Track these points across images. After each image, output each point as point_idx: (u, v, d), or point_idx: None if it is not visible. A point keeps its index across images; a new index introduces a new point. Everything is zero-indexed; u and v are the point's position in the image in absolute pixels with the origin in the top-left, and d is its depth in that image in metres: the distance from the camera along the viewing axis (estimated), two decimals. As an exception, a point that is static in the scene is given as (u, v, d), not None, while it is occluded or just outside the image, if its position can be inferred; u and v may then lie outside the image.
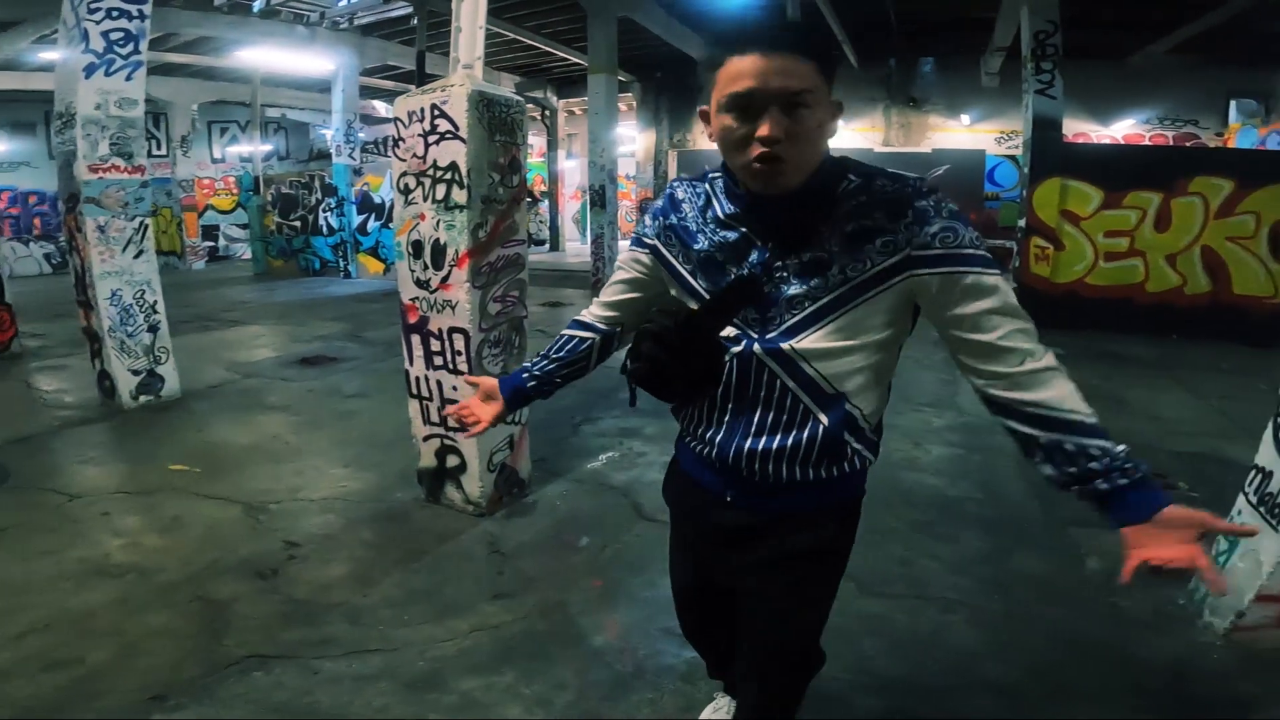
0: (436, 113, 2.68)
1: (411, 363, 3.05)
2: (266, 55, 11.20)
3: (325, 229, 12.48)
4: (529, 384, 1.40)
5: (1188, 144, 11.77)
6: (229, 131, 16.60)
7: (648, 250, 1.26)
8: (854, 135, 13.47)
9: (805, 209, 1.05)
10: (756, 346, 1.08)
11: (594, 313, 1.39)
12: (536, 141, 19.07)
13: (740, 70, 0.98)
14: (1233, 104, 11.52)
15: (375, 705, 1.97)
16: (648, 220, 1.27)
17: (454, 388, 2.97)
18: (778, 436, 1.12)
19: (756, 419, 1.12)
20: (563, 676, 2.09)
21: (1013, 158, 12.29)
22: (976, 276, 1.02)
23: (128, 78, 4.26)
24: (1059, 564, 2.76)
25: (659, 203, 1.26)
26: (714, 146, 1.08)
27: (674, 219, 1.20)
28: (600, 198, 10.36)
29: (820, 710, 1.72)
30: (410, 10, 10.31)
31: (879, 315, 1.07)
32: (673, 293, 1.23)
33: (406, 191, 2.83)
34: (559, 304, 9.30)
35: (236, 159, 16.47)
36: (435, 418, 3.09)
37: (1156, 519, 0.97)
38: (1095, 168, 7.39)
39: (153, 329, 4.63)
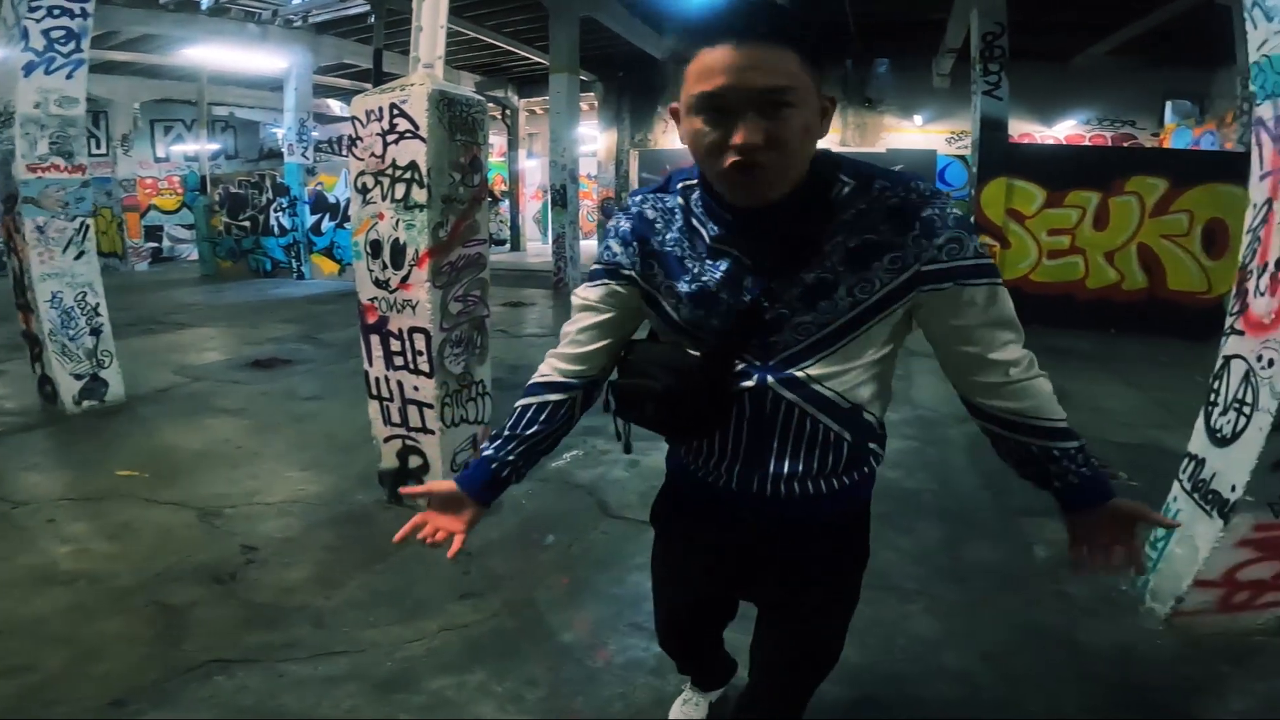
0: (396, 112, 2.66)
1: (371, 363, 3.02)
2: (215, 54, 10.88)
3: (277, 229, 12.17)
4: (504, 474, 1.16)
5: (1125, 144, 12.28)
6: (173, 130, 16.06)
7: (624, 282, 1.09)
8: (810, 136, 13.70)
9: (800, 223, 0.95)
10: (770, 378, 1.01)
11: (561, 367, 1.16)
12: (497, 141, 18.89)
13: (712, 65, 0.85)
14: (1168, 105, 12.04)
15: (344, 707, 1.95)
16: (616, 247, 1.09)
17: (415, 388, 2.94)
18: (801, 459, 1.06)
19: (776, 446, 1.06)
20: (534, 673, 2.10)
21: (962, 158, 12.64)
22: (978, 289, 0.99)
23: (68, 76, 4.15)
24: (1010, 552, 2.87)
25: (625, 224, 1.09)
26: (678, 145, 1.03)
27: (653, 244, 1.06)
28: (562, 197, 10.35)
29: (785, 698, 1.74)
30: (367, 8, 10.13)
31: (888, 330, 1.02)
32: (650, 323, 1.14)
33: (364, 191, 2.79)
34: (520, 304, 9.26)
35: (181, 158, 15.94)
36: (396, 418, 3.06)
37: (1101, 510, 1.05)
38: (1038, 168, 7.68)
39: (95, 332, 4.48)
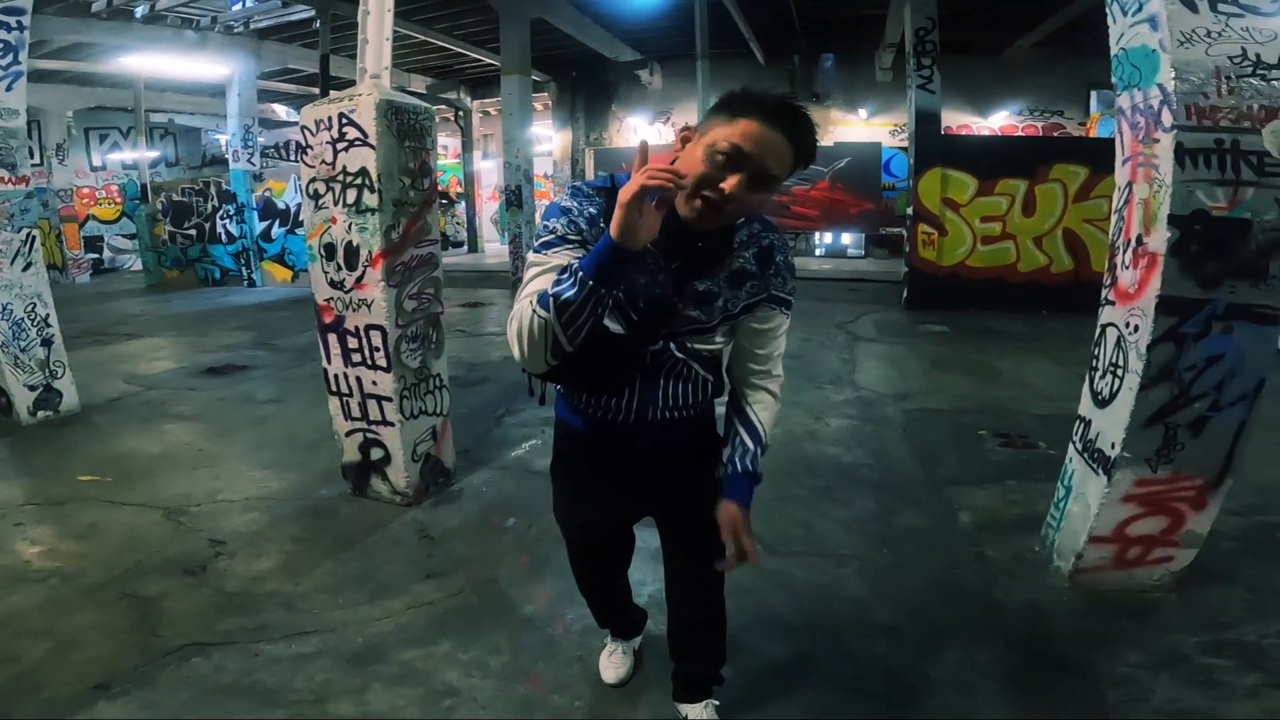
0: (345, 121, 2.77)
1: (329, 361, 3.12)
2: (152, 61, 10.64)
3: (224, 237, 11.91)
4: None
5: (1055, 134, 12.84)
6: (109, 138, 15.52)
7: (579, 245, 1.27)
8: (760, 131, 13.96)
9: (710, 247, 1.32)
10: (671, 345, 1.37)
11: None
12: (451, 143, 18.76)
13: (758, 135, 1.14)
14: (1093, 94, 12.62)
15: (318, 680, 2.08)
16: (584, 226, 1.28)
17: (374, 382, 3.06)
18: (682, 395, 1.45)
19: (663, 385, 1.43)
20: (496, 642, 2.25)
21: (905, 149, 13.08)
22: (786, 315, 1.46)
23: (8, 88, 4.14)
24: (936, 519, 3.09)
25: (591, 209, 1.30)
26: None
27: (604, 225, 1.26)
28: (516, 197, 10.38)
29: (731, 658, 1.91)
30: (311, 14, 10.02)
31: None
32: None
33: (316, 196, 2.90)
34: (479, 304, 9.30)
35: (119, 166, 15.45)
36: (356, 412, 3.17)
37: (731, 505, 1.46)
38: (970, 158, 8.05)
39: (46, 343, 4.46)
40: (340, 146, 2.80)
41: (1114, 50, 2.34)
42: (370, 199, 2.78)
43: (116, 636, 2.29)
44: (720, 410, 1.57)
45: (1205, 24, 2.04)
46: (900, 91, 8.88)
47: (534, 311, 1.19)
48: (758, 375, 1.49)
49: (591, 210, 1.30)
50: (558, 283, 1.17)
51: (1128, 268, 2.24)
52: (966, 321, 7.38)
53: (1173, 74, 2.04)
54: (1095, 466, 2.42)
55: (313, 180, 2.88)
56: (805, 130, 1.19)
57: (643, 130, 15.17)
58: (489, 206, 18.53)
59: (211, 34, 10.79)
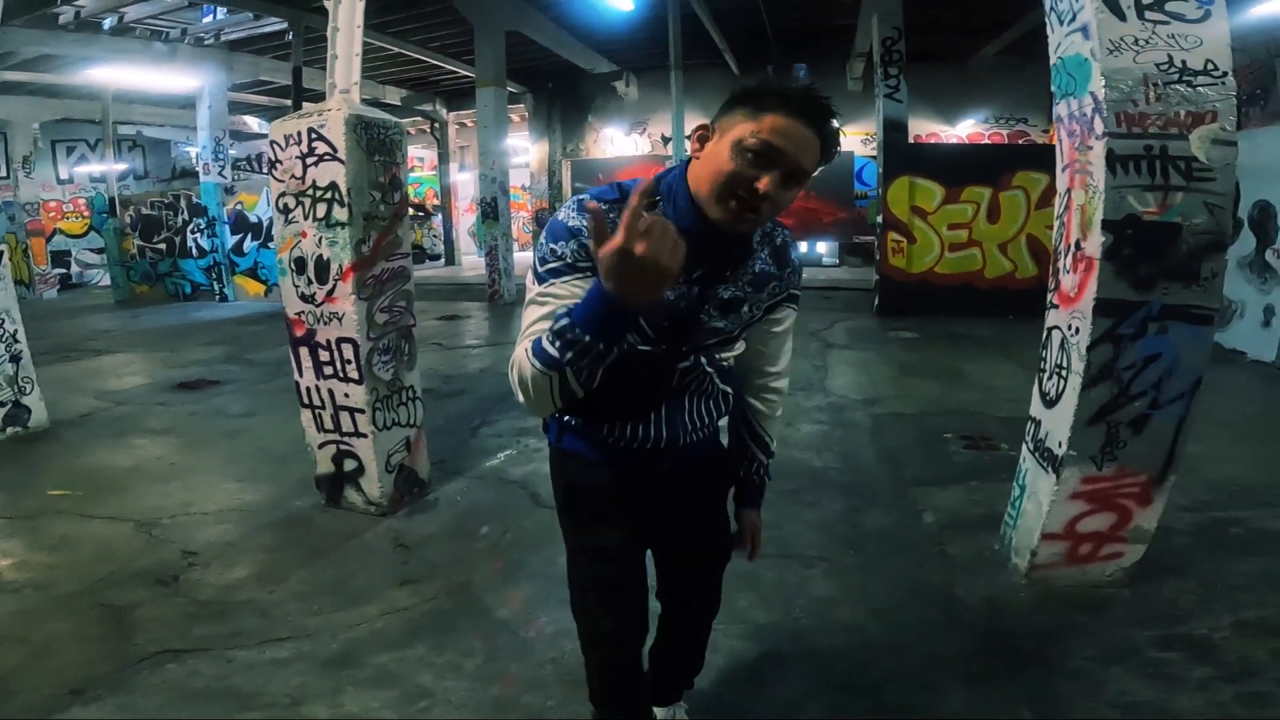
0: (314, 136, 2.82)
1: (301, 374, 3.14)
2: (120, 74, 10.53)
3: (195, 251, 11.77)
4: None
5: (1020, 141, 13.14)
6: (76, 150, 15.34)
7: (589, 273, 1.12)
8: (734, 141, 14.12)
9: (738, 258, 1.26)
10: (702, 359, 1.30)
11: None
12: (428, 155, 18.74)
13: (789, 130, 1.07)
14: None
15: (293, 684, 2.10)
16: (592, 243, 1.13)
17: (346, 395, 3.08)
18: (706, 414, 1.39)
19: (688, 408, 1.35)
20: (470, 645, 2.28)
21: (876, 158, 13.29)
22: (795, 312, 1.44)
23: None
24: (901, 519, 3.17)
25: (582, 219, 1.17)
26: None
27: None
28: (493, 210, 10.35)
29: (700, 657, 1.97)
30: (284, 26, 9.99)
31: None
32: None
33: (286, 211, 2.94)
34: (456, 317, 9.29)
35: (86, 179, 15.23)
36: (329, 424, 3.19)
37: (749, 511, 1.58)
38: (937, 166, 8.22)
39: (14, 359, 4.42)
40: (310, 161, 2.84)
41: (1052, 59, 2.42)
42: (340, 213, 2.82)
43: (90, 644, 2.31)
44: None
45: (1133, 32, 2.11)
46: (871, 100, 9.05)
47: (532, 365, 1.05)
48: (769, 377, 1.47)
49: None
50: (556, 336, 1.01)
51: (1068, 272, 2.34)
52: (936, 327, 7.53)
53: (1103, 82, 2.12)
54: (1045, 465, 2.51)
55: (282, 195, 2.91)
56: (830, 124, 1.13)
57: (620, 141, 15.32)
58: (466, 219, 18.52)
59: (182, 46, 10.73)
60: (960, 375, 5.60)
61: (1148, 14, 2.10)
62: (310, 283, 2.96)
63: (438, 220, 17.62)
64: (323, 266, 2.90)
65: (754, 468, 1.54)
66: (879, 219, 8.49)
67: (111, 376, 6.32)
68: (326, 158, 2.80)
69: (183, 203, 11.82)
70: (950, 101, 13.14)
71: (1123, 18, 2.11)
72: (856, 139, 13.82)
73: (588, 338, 0.99)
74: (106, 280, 13.37)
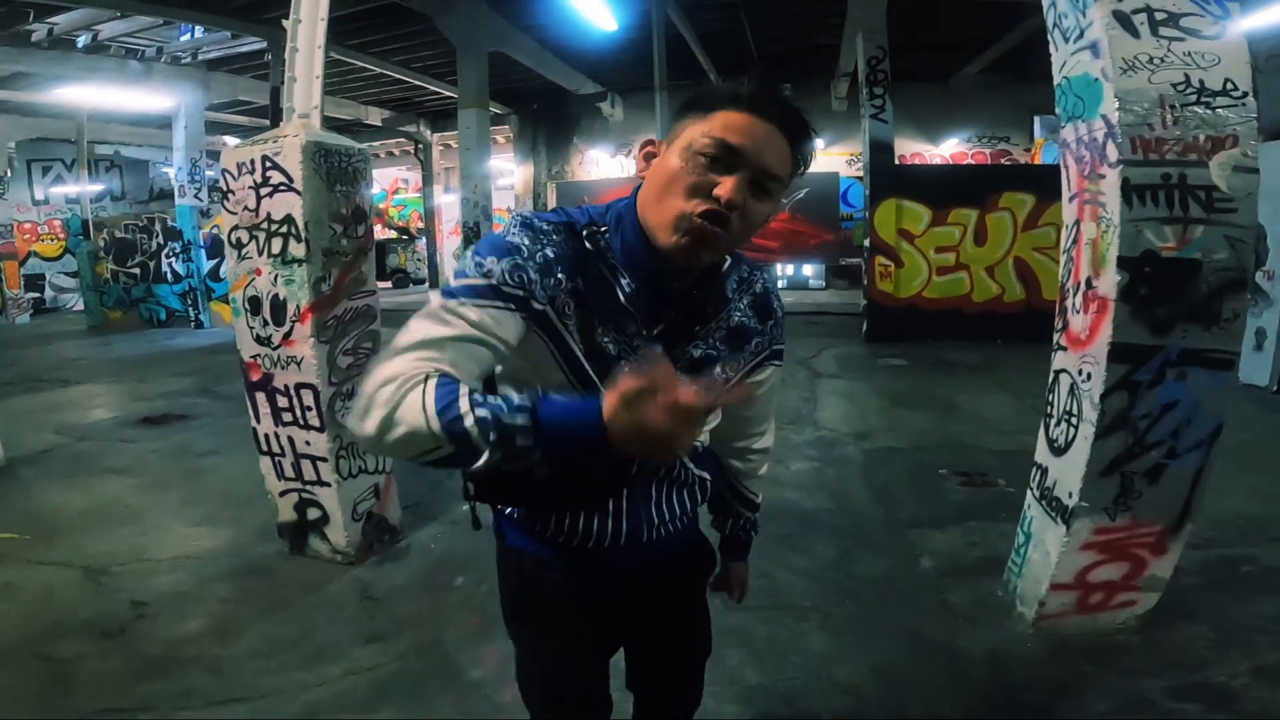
0: (269, 164, 2.63)
1: (259, 420, 2.94)
2: (94, 93, 10.36)
3: (170, 276, 11.51)
4: None
5: (1002, 160, 13.20)
6: (52, 170, 15.06)
7: (525, 314, 0.94)
8: (719, 163, 14.09)
9: (700, 298, 1.03)
10: None
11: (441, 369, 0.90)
12: (411, 177, 18.62)
13: (742, 125, 0.90)
14: (1036, 120, 13.03)
15: (246, 752, 1.91)
16: (531, 272, 0.94)
17: (307, 442, 2.88)
18: (679, 504, 1.17)
19: (655, 498, 1.13)
20: (441, 710, 2.12)
21: (861, 179, 13.29)
22: (779, 369, 1.20)
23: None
24: (898, 564, 3.02)
25: (545, 249, 0.96)
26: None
27: (577, 282, 0.97)
28: (475, 235, 10.06)
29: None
30: (262, 45, 9.86)
31: None
32: (526, 368, 1.01)
33: (239, 246, 2.74)
34: None
35: (62, 200, 14.95)
36: (290, 473, 3.00)
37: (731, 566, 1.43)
38: (923, 188, 8.16)
39: (-37, 397, 4.18)
40: (264, 192, 2.66)
41: (1056, 79, 2.28)
42: (297, 249, 2.63)
43: (25, 701, 2.15)
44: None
45: (1147, 49, 1.97)
46: (856, 120, 9.03)
47: (424, 417, 0.80)
48: (751, 438, 1.28)
49: (549, 253, 0.96)
50: (497, 428, 0.78)
51: (1078, 312, 2.20)
52: (924, 353, 7.42)
53: (1116, 104, 1.96)
54: (1054, 515, 2.37)
55: (235, 228, 2.72)
56: (799, 121, 0.93)
57: (605, 163, 15.24)
58: (451, 242, 18.30)
59: (157, 65, 10.57)
60: (952, 405, 5.47)
61: (1162, 30, 1.95)
62: (266, 324, 2.76)
63: (422, 243, 17.42)
64: (279, 307, 2.71)
65: (740, 523, 1.39)
66: (866, 243, 8.40)
67: (75, 409, 6.10)
68: (282, 188, 2.62)
69: (157, 226, 11.58)
70: (933, 121, 13.20)
71: (1136, 35, 1.96)
72: (841, 159, 13.86)
73: (538, 455, 0.79)
74: (81, 305, 13.07)
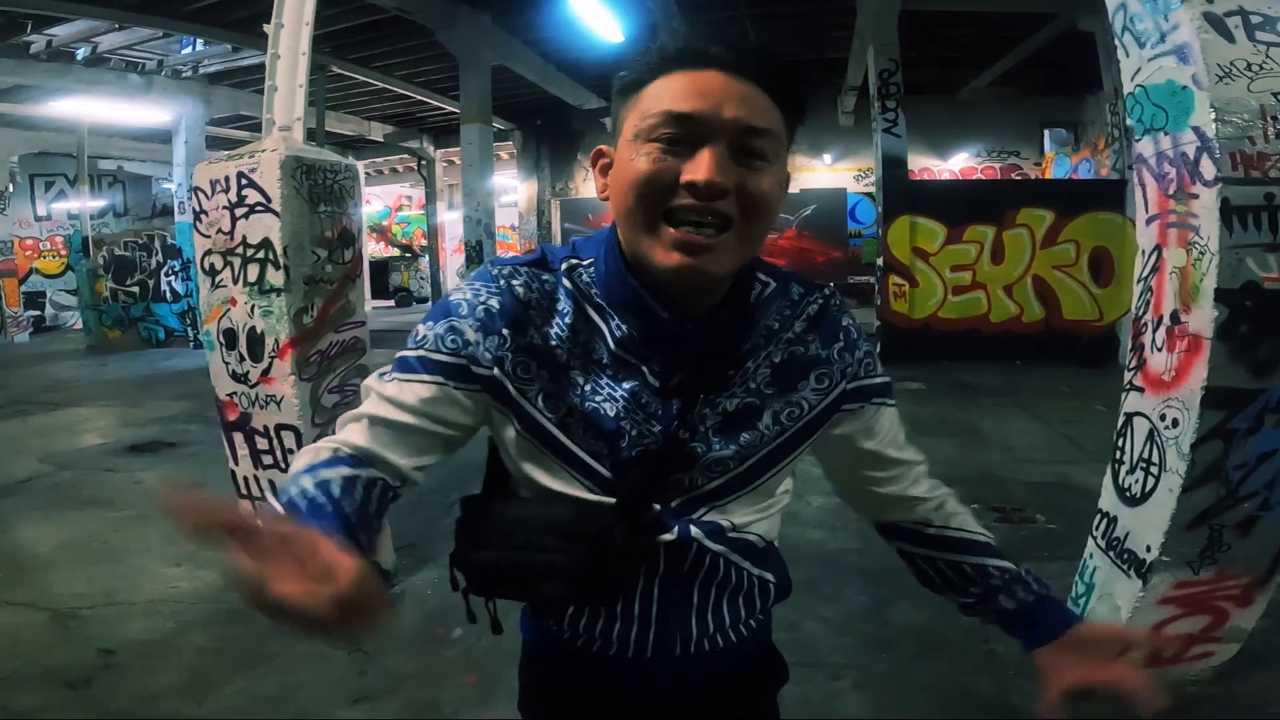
0: (244, 182, 2.41)
1: (237, 462, 2.73)
2: (93, 106, 10.30)
3: (169, 295, 11.39)
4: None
5: (1013, 175, 13.03)
6: (55, 185, 15.01)
7: (472, 388, 0.77)
8: (726, 178, 13.96)
9: (727, 333, 0.78)
10: (693, 530, 0.81)
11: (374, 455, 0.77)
12: (415, 193, 18.56)
13: (687, 86, 0.68)
14: (1046, 134, 12.88)
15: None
16: (470, 332, 0.76)
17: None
18: (726, 611, 0.88)
19: (698, 601, 0.86)
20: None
21: (869, 194, 13.14)
22: (887, 409, 0.89)
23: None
24: (936, 611, 2.72)
25: (490, 300, 0.77)
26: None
27: (533, 336, 0.77)
28: (478, 254, 9.85)
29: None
30: (263, 59, 9.75)
31: (804, 458, 0.87)
32: (510, 452, 0.83)
33: (213, 273, 2.52)
34: None
35: (65, 216, 14.87)
36: (272, 517, 2.75)
37: (1069, 636, 0.87)
38: (937, 204, 7.94)
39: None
40: (239, 213, 2.44)
41: (1128, 88, 2.06)
42: (275, 276, 2.40)
43: None
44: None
45: (1244, 55, 1.75)
46: (863, 135, 8.87)
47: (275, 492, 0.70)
48: (905, 483, 0.92)
49: (493, 304, 0.76)
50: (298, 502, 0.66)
51: (1159, 349, 1.95)
52: (942, 376, 7.20)
53: (1213, 115, 1.73)
54: (1126, 568, 2.13)
55: (208, 253, 2.50)
56: (757, 57, 0.70)
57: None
58: (455, 260, 18.15)
59: (158, 78, 10.49)
60: (977, 432, 5.24)
61: (1259, 34, 1.74)
62: (242, 359, 2.53)
63: (425, 261, 17.30)
64: (256, 341, 2.48)
65: (1006, 587, 0.91)
66: (879, 261, 8.18)
67: (63, 435, 5.95)
68: (259, 208, 2.39)
69: (156, 244, 11.48)
70: (942, 135, 13.04)
71: (1231, 39, 1.74)
72: (849, 175, 13.71)
73: None
74: (81, 324, 12.95)
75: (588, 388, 0.77)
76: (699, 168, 0.66)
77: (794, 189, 13.35)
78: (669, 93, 0.68)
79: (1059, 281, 7.65)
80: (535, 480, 0.81)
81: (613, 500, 0.78)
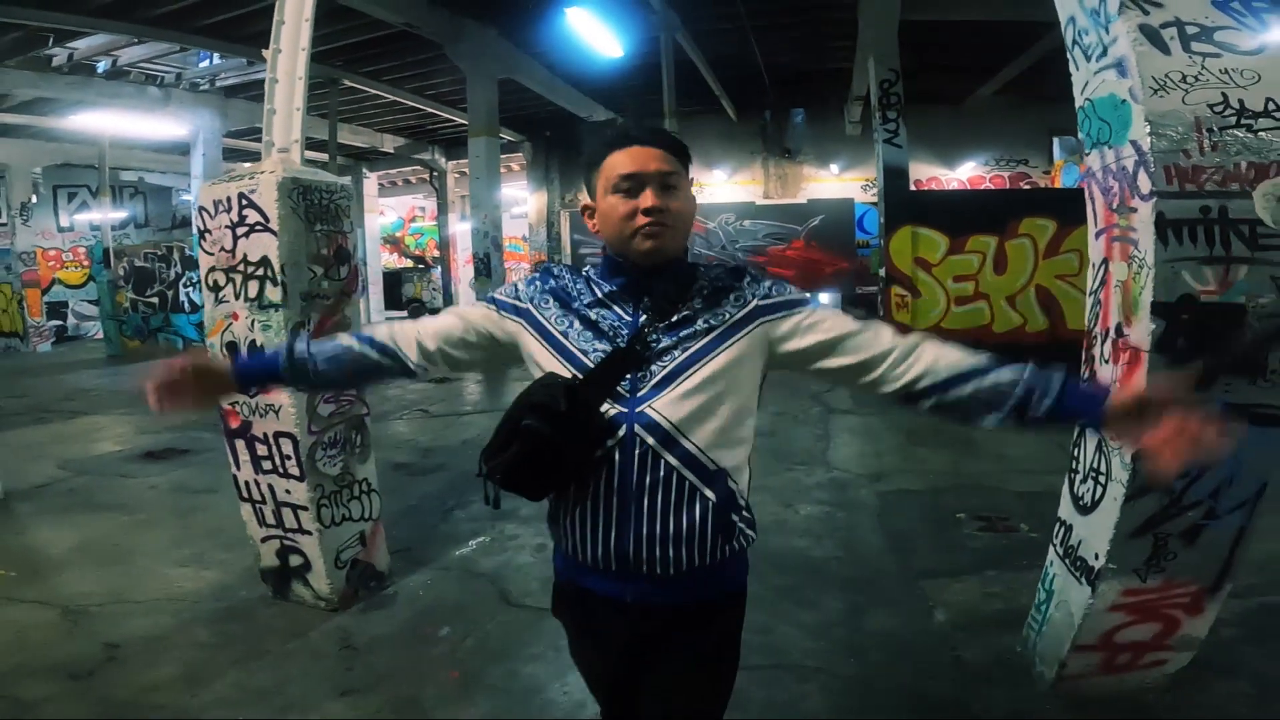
0: (244, 202, 2.54)
1: (239, 467, 2.85)
2: (113, 119, 10.54)
3: (188, 305, 11.56)
4: (281, 370, 1.30)
5: (1021, 184, 12.92)
6: (78, 197, 15.26)
7: (512, 315, 1.26)
8: (736, 189, 14.01)
9: (677, 282, 1.20)
10: (636, 426, 1.13)
11: (406, 339, 1.29)
12: (428, 204, 18.76)
13: (629, 157, 1.18)
14: (1055, 141, 12.74)
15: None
16: (520, 286, 1.28)
17: (287, 491, 2.78)
18: (671, 518, 1.14)
19: (647, 505, 1.14)
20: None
21: (876, 205, 13.11)
22: (811, 312, 1.21)
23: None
24: (909, 618, 2.85)
25: (532, 276, 1.31)
26: None
27: (552, 283, 1.27)
28: (485, 266, 9.92)
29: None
30: (276, 74, 9.98)
31: (738, 367, 1.17)
32: (534, 369, 1.24)
33: (216, 289, 2.65)
34: (449, 379, 8.75)
35: (87, 227, 15.16)
36: (271, 519, 2.91)
37: (1108, 411, 1.06)
38: (939, 214, 7.91)
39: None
40: (240, 232, 2.57)
41: (1079, 101, 2.10)
42: (273, 293, 2.54)
43: None
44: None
45: (1179, 67, 1.78)
46: (870, 145, 8.88)
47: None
48: (883, 364, 1.15)
49: (534, 277, 1.31)
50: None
51: (1107, 361, 2.02)
52: (945, 385, 7.19)
53: (1148, 128, 1.76)
54: (1078, 575, 2.18)
55: (212, 270, 2.64)
56: (653, 131, 1.23)
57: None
58: (466, 271, 18.27)
59: (176, 91, 10.74)
60: (970, 442, 5.27)
61: (1194, 45, 1.76)
62: (243, 370, 2.65)
63: (437, 273, 17.45)
64: (256, 353, 2.60)
65: (1027, 400, 1.08)
66: (882, 271, 8.19)
67: (80, 442, 6.11)
68: (258, 228, 2.52)
69: (176, 255, 11.67)
70: (949, 144, 13.00)
71: (1166, 51, 1.77)
72: (856, 185, 13.70)
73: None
74: (101, 334, 13.19)
75: (587, 311, 1.22)
76: (646, 199, 1.17)
77: (801, 199, 13.49)
78: (619, 163, 1.19)
79: (1063, 291, 7.60)
80: None
81: (570, 376, 1.16)
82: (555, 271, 1.29)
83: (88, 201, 15.18)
